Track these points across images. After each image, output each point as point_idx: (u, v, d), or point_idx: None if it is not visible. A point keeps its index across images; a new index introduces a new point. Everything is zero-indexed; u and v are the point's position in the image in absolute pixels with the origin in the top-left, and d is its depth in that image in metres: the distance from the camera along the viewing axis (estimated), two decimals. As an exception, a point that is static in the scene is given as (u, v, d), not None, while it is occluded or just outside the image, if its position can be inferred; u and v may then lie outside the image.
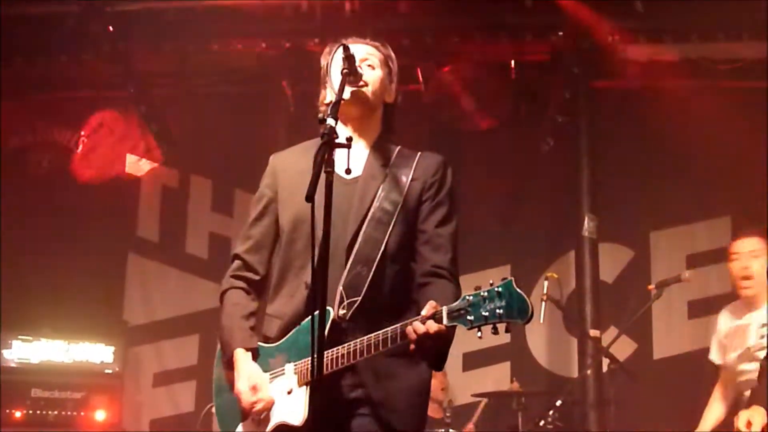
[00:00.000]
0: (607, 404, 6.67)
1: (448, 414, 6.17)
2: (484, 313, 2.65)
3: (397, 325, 2.80)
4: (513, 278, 2.66)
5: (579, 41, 7.04)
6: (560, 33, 7.07)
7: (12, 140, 7.93)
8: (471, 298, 2.69)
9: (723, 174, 7.22)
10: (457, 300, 2.83)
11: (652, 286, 6.07)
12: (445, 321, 2.72)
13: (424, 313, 2.75)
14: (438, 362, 2.88)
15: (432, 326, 2.72)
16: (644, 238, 7.81)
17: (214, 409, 3.28)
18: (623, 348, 7.05)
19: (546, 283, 6.11)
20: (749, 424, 4.56)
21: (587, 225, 7.17)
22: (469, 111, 7.67)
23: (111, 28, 6.88)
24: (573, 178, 7.40)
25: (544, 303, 6.08)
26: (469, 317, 2.67)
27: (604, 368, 6.66)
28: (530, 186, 7.96)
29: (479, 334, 2.69)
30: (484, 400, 6.69)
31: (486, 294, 2.66)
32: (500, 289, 2.64)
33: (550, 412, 6.10)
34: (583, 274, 7.21)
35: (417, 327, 2.73)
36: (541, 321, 6.15)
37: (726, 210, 7.56)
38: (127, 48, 7.10)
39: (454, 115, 7.68)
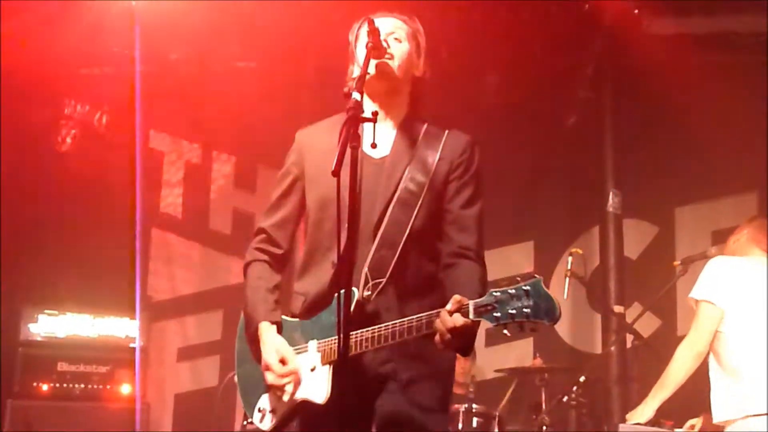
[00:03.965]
0: (630, 381, 6.68)
1: (471, 389, 6.18)
2: (510, 311, 2.64)
3: (423, 315, 2.80)
4: (541, 278, 2.65)
5: (604, 15, 6.97)
6: (585, 6, 7.00)
7: (36, 116, 7.95)
8: (498, 294, 2.68)
9: (749, 149, 7.15)
10: (483, 282, 2.90)
11: (677, 263, 6.03)
12: (471, 315, 2.72)
13: (449, 306, 2.74)
14: (465, 351, 2.88)
15: (458, 320, 2.71)
16: (669, 214, 7.77)
17: (236, 379, 3.31)
18: (647, 324, 7.03)
19: (570, 258, 6.09)
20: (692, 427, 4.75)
21: (612, 200, 7.14)
22: (492, 86, 7.63)
23: (134, 3, 6.88)
24: (597, 154, 7.37)
25: (567, 279, 6.06)
26: (495, 314, 2.67)
27: (628, 344, 6.65)
28: (554, 162, 7.92)
29: (505, 331, 2.69)
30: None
31: (513, 291, 2.65)
32: (528, 287, 2.63)
33: (574, 388, 6.10)
34: (608, 250, 7.20)
35: (444, 320, 2.73)
36: (565, 297, 6.13)
37: (752, 185, 7.49)
38: (150, 22, 7.09)
39: (477, 91, 7.65)
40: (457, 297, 2.75)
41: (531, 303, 2.61)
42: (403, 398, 2.97)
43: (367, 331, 2.88)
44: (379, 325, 2.88)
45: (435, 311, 2.78)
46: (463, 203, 3.11)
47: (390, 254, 2.99)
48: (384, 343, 2.86)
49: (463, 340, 2.77)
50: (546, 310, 2.60)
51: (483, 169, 3.20)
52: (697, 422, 4.82)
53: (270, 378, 3.03)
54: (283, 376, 3.01)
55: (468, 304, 2.72)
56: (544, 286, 2.62)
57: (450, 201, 3.11)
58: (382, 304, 2.97)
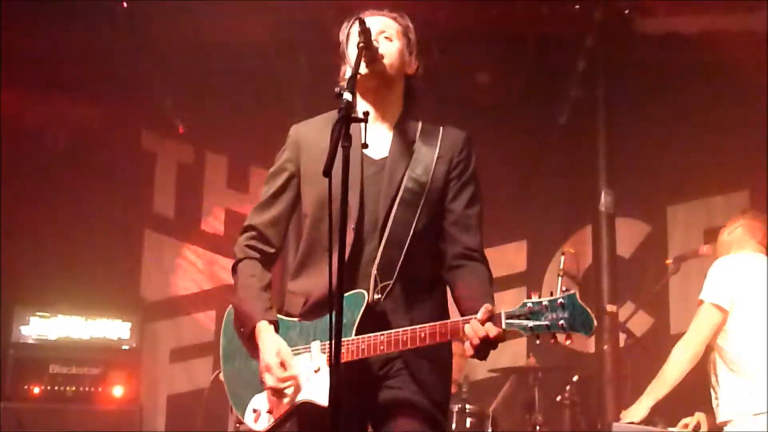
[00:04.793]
0: (624, 379, 6.68)
1: (464, 389, 6.17)
2: (545, 322, 2.68)
3: (447, 322, 2.82)
4: (576, 291, 2.69)
5: (595, 14, 6.97)
6: (576, 6, 7.00)
7: (29, 116, 7.93)
8: (531, 305, 2.71)
9: (741, 147, 7.17)
10: (492, 283, 2.94)
11: (669, 261, 6.04)
12: (503, 325, 2.74)
13: (480, 316, 2.74)
14: (485, 357, 2.87)
15: (492, 330, 2.73)
16: (661, 212, 7.78)
17: (222, 376, 3.26)
18: (640, 323, 7.05)
19: (563, 258, 6.08)
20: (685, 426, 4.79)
21: (604, 199, 7.14)
22: (484, 85, 7.62)
23: (125, 4, 6.86)
24: (589, 153, 7.37)
25: (560, 278, 6.05)
26: (528, 324, 2.70)
27: (621, 343, 6.66)
28: (546, 160, 7.92)
29: (538, 341, 2.73)
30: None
31: (547, 303, 2.69)
32: (563, 300, 2.67)
33: (567, 387, 6.11)
34: (600, 248, 7.19)
35: (477, 329, 2.74)
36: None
37: (744, 184, 7.51)
38: (142, 22, 7.08)
39: (469, 90, 7.64)
40: (488, 306, 2.75)
41: (566, 315, 2.66)
42: (411, 390, 2.97)
43: (383, 335, 2.87)
44: (395, 330, 2.86)
45: (463, 318, 2.80)
46: (466, 203, 3.12)
47: (396, 255, 2.99)
48: (402, 347, 2.85)
49: (490, 349, 2.78)
50: (582, 323, 2.66)
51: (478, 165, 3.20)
52: (691, 421, 4.82)
53: (270, 381, 2.99)
54: (283, 380, 2.97)
55: (500, 313, 2.74)
56: (579, 300, 2.66)
57: (452, 201, 3.11)
58: (389, 306, 2.96)
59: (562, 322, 2.66)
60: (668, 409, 4.98)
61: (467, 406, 6.01)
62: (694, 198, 7.71)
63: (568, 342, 2.72)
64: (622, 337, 6.57)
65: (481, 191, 3.17)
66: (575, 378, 6.14)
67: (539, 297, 2.72)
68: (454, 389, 6.30)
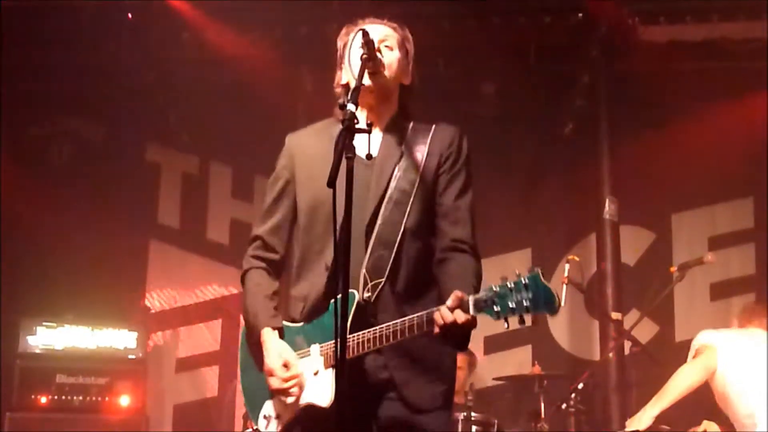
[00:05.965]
0: (629, 387, 6.68)
1: (470, 398, 6.17)
2: (511, 305, 2.66)
3: (423, 312, 2.81)
4: (540, 270, 2.66)
5: (598, 24, 6.99)
6: (579, 15, 7.03)
7: (32, 129, 7.97)
8: (497, 288, 2.69)
9: (744, 155, 7.18)
10: (478, 275, 2.92)
11: (674, 268, 6.04)
12: (471, 311, 2.73)
13: (449, 302, 2.74)
14: (462, 345, 2.88)
15: (460, 316, 2.72)
16: (665, 220, 7.79)
17: (239, 388, 3.31)
18: (645, 330, 7.04)
19: (567, 266, 6.08)
20: None
21: (608, 208, 7.15)
22: (488, 95, 7.64)
23: (130, 16, 6.90)
24: (593, 161, 7.38)
25: (565, 286, 6.05)
26: (495, 308, 2.68)
27: (626, 351, 6.66)
28: (550, 170, 7.94)
29: (506, 324, 2.70)
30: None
31: (513, 285, 2.66)
32: (527, 280, 2.64)
33: (572, 396, 6.09)
34: (605, 256, 7.20)
35: (445, 316, 2.74)
36: (563, 304, 6.12)
37: (747, 191, 7.52)
38: (146, 36, 7.13)
39: (472, 100, 7.66)
40: (457, 293, 2.75)
41: (531, 296, 2.63)
42: (400, 403, 2.98)
43: (369, 332, 2.89)
44: (380, 326, 2.88)
45: (435, 309, 2.79)
46: (456, 194, 3.12)
47: (387, 254, 3.00)
48: (386, 342, 2.86)
49: (462, 335, 2.78)
50: (546, 302, 2.62)
51: (473, 157, 3.20)
52: (698, 430, 4.84)
53: (274, 383, 3.03)
54: (286, 380, 3.01)
55: (468, 299, 2.73)
56: (543, 279, 2.63)
57: (442, 194, 3.12)
58: (381, 305, 2.97)
59: (526, 303, 2.63)
60: (674, 417, 4.98)
61: (473, 414, 6.01)
62: (698, 205, 7.73)
63: (534, 324, 2.71)
64: (627, 344, 6.57)
65: (472, 182, 3.16)
66: (580, 386, 6.12)
67: (506, 279, 2.69)
68: (460, 399, 6.32)
